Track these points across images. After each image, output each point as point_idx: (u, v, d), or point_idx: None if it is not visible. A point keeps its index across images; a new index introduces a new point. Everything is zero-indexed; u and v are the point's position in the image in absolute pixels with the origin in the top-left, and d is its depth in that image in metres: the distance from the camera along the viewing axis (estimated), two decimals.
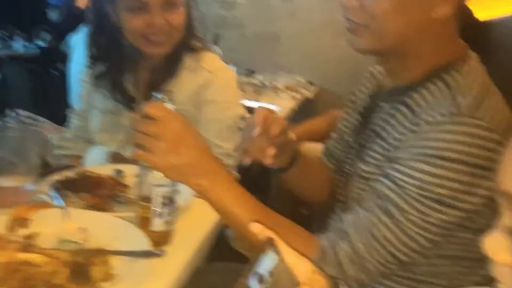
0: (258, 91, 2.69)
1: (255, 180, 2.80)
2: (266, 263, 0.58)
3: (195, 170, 0.82)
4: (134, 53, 1.37)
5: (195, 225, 1.02)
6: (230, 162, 1.41)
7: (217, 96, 1.39)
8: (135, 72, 1.41)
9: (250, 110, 2.38)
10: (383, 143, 0.87)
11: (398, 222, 0.77)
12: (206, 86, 1.38)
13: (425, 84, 0.84)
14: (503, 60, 1.87)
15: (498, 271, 0.45)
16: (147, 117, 0.82)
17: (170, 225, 0.93)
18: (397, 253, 0.79)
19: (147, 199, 0.91)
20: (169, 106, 0.88)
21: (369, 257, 0.79)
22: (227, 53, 3.95)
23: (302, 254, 0.81)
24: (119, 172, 1.21)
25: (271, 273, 0.58)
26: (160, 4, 1.27)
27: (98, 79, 1.43)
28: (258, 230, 0.66)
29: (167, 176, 0.84)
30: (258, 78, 2.98)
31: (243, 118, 1.47)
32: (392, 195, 0.78)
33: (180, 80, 1.38)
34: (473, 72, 0.85)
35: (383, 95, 0.94)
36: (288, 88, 3.07)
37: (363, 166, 0.90)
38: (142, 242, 0.88)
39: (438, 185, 0.75)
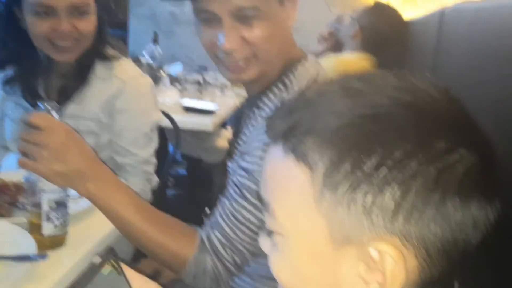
0: (202, 89, 2.71)
1: (198, 177, 2.84)
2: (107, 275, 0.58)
3: (81, 176, 0.86)
4: (45, 59, 1.36)
5: (91, 230, 1.05)
6: (149, 168, 1.44)
7: (130, 104, 1.39)
8: (46, 78, 1.40)
9: (189, 109, 2.43)
10: (241, 142, 0.96)
11: (252, 203, 0.86)
12: (118, 95, 1.38)
13: (272, 88, 0.94)
14: (422, 55, 1.95)
15: (268, 262, 0.50)
16: (32, 126, 0.85)
17: (61, 229, 0.95)
18: (258, 230, 0.86)
19: (37, 204, 0.93)
20: (54, 115, 0.91)
21: (237, 238, 0.88)
22: (179, 49, 3.97)
23: (185, 249, 0.89)
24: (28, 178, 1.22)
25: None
26: (67, 10, 1.25)
27: (8, 84, 1.40)
28: None
29: (53, 183, 0.87)
30: (208, 75, 3.00)
31: (159, 123, 1.50)
32: (245, 181, 0.87)
33: (92, 89, 1.38)
34: (306, 70, 0.94)
35: (246, 103, 1.06)
36: (235, 85, 3.10)
37: (229, 164, 0.98)
38: (29, 247, 0.90)
39: None
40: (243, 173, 0.88)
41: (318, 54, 2.31)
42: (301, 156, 0.44)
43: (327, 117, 0.44)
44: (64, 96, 1.37)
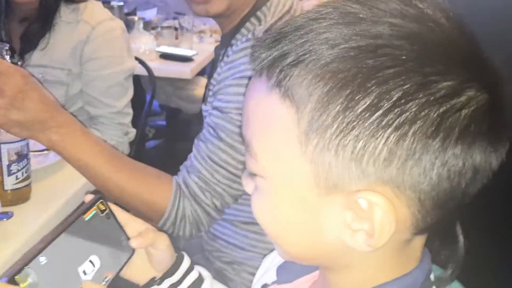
0: (178, 35, 2.58)
1: (178, 128, 2.77)
2: (88, 219, 0.56)
3: (42, 125, 0.79)
4: (6, 1, 1.25)
5: (61, 185, 0.97)
6: (125, 120, 1.36)
7: (100, 51, 1.29)
8: (7, 23, 1.29)
9: (166, 56, 2.31)
10: (213, 82, 0.90)
11: (228, 143, 0.83)
12: (87, 41, 1.27)
13: (244, 23, 0.89)
14: None
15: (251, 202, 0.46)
16: None
17: (24, 183, 0.87)
18: (238, 172, 0.83)
19: None
20: (7, 58, 0.81)
21: (215, 180, 0.84)
22: None
23: (161, 195, 0.85)
24: None
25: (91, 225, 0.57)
26: None
27: None
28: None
29: (12, 133, 0.80)
30: (185, 21, 2.85)
31: (133, 71, 1.40)
32: (219, 120, 0.84)
33: (58, 34, 1.27)
34: (281, 2, 0.90)
35: (220, 43, 1.01)
36: (213, 31, 2.97)
37: (203, 107, 0.94)
38: None
39: None
40: (216, 112, 0.84)
41: None
42: (286, 92, 0.38)
43: (318, 47, 0.37)
44: (28, 43, 1.28)
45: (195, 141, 0.88)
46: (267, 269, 0.59)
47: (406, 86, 0.35)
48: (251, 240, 0.95)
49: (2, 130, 0.82)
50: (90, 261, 0.55)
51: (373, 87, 0.35)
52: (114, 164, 0.83)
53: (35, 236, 0.83)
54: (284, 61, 0.38)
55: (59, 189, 0.96)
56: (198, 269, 0.67)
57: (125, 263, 0.59)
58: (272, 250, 0.61)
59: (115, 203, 0.62)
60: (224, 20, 0.93)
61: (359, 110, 0.36)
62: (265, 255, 0.94)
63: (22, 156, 0.86)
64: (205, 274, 0.67)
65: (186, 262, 0.65)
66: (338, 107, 0.36)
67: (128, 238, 0.60)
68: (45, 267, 0.50)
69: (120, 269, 0.59)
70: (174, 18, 3.07)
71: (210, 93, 0.91)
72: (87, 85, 1.30)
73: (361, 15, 0.38)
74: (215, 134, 0.84)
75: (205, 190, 0.84)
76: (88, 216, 0.56)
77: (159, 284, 0.63)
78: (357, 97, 0.36)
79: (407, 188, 0.37)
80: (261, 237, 0.95)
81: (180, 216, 0.85)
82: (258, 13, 0.89)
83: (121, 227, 0.60)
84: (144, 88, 2.08)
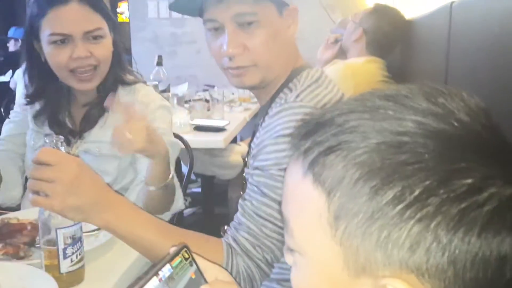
0: (209, 107, 2.69)
1: (213, 194, 2.81)
2: (174, 265, 0.61)
3: (96, 207, 0.85)
4: (67, 90, 1.38)
5: (113, 263, 1.01)
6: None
7: (153, 123, 1.35)
8: (70, 109, 1.41)
9: (199, 128, 2.41)
10: (253, 146, 0.98)
11: (272, 198, 0.87)
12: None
13: (279, 95, 0.99)
14: (424, 52, 1.91)
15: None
16: (41, 163, 0.83)
17: (78, 264, 0.92)
18: (282, 225, 0.83)
19: (52, 242, 0.90)
20: (62, 149, 0.89)
21: (264, 235, 0.88)
22: (182, 69, 3.98)
23: (213, 258, 0.87)
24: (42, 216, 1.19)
25: (179, 274, 0.61)
26: (82, 36, 1.28)
27: (37, 118, 1.41)
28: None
29: (68, 218, 0.86)
30: (215, 93, 2.99)
31: (177, 145, 1.48)
32: (260, 179, 0.89)
33: (115, 115, 1.34)
34: (309, 74, 0.98)
35: (258, 115, 1.09)
36: (242, 99, 3.08)
37: (245, 170, 1.01)
38: (50, 287, 0.87)
39: (287, 157, 0.87)
40: (258, 172, 0.90)
41: (325, 62, 2.28)
42: (318, 179, 0.42)
43: (350, 139, 0.41)
44: (88, 124, 1.39)
45: (240, 201, 0.92)
46: None
47: (427, 182, 0.38)
48: None
49: (57, 215, 0.88)
50: None
51: (396, 181, 0.38)
52: (165, 233, 0.88)
53: None
54: (318, 149, 0.42)
55: (111, 267, 1.00)
56: None
57: None
58: None
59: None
60: (261, 93, 1.03)
61: (384, 201, 0.38)
62: None
63: (76, 239, 0.91)
64: None
65: None
66: (365, 197, 0.39)
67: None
68: None
69: None
70: (204, 90, 3.21)
71: (251, 157, 0.97)
72: (141, 160, 1.35)
73: (388, 111, 0.41)
74: (258, 191, 0.88)
75: (255, 245, 0.88)
76: (174, 262, 0.61)
77: None
78: (382, 189, 0.38)
79: (431, 276, 0.39)
80: None
81: (235, 274, 0.87)
82: (290, 84, 0.98)
83: (201, 273, 0.64)
84: (180, 159, 2.15)
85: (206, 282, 0.64)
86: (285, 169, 0.88)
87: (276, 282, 0.99)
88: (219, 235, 1.03)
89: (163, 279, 0.59)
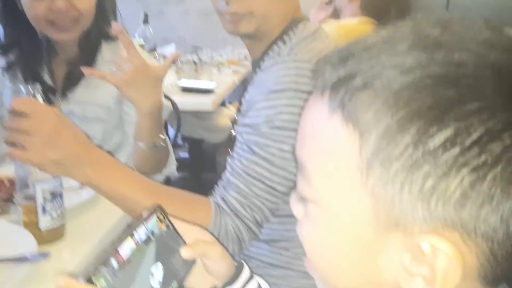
0: (198, 69, 2.61)
1: (201, 159, 2.77)
2: (149, 226, 0.57)
3: (77, 161, 0.80)
4: (46, 42, 1.29)
5: (96, 222, 0.97)
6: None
7: None
8: (51, 64, 1.32)
9: (188, 89, 2.34)
10: (243, 102, 0.93)
11: (262, 157, 0.84)
12: None
13: (273, 47, 0.92)
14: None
15: (297, 227, 0.44)
16: (17, 113, 0.77)
17: (59, 221, 0.87)
18: (274, 185, 0.84)
19: (30, 197, 0.85)
20: (39, 98, 0.83)
21: (253, 194, 0.84)
22: (169, 30, 3.87)
23: (201, 217, 0.84)
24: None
25: (154, 234, 0.57)
26: None
27: (9, 70, 1.32)
28: None
29: (47, 172, 0.81)
30: (203, 54, 2.91)
31: (166, 107, 1.42)
32: (250, 137, 0.86)
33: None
34: (306, 27, 0.93)
35: (251, 69, 1.03)
36: (231, 62, 3.01)
37: (235, 128, 0.95)
38: (29, 245, 0.83)
39: (278, 113, 0.83)
40: (248, 129, 0.86)
41: (318, 23, 2.22)
42: (350, 115, 0.35)
43: (391, 72, 0.34)
44: (71, 82, 1.30)
45: (228, 159, 0.89)
46: None
47: (489, 124, 0.32)
48: (286, 257, 0.95)
49: (36, 170, 0.83)
50: (158, 267, 0.56)
51: (451, 122, 0.32)
52: (151, 192, 0.83)
53: (73, 274, 0.82)
54: (351, 82, 0.35)
55: (93, 226, 0.95)
56: (257, 279, 0.66)
57: (188, 271, 0.59)
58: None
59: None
60: (254, 44, 0.96)
61: (432, 145, 0.32)
62: (301, 273, 0.93)
63: (56, 195, 0.86)
64: (264, 284, 0.66)
65: (246, 271, 0.64)
66: (409, 139, 0.33)
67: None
68: (118, 270, 0.52)
69: (184, 277, 0.59)
70: (192, 52, 3.12)
71: (240, 113, 0.93)
72: (128, 125, 1.30)
73: (441, 40, 0.35)
74: (248, 149, 0.85)
75: (245, 204, 0.85)
76: (149, 224, 0.57)
77: None
78: (431, 130, 0.32)
79: (478, 236, 0.33)
80: (294, 254, 0.94)
81: (223, 234, 0.84)
82: (285, 37, 0.92)
83: (180, 236, 0.60)
84: (166, 121, 2.10)
85: (184, 243, 0.60)
86: (276, 127, 0.85)
87: (265, 243, 0.97)
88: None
89: (139, 242, 0.55)
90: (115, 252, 0.52)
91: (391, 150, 0.33)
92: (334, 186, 0.37)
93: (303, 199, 0.41)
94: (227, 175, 0.88)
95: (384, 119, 0.34)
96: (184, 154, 3.06)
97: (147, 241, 0.56)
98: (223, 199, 0.85)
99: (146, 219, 0.57)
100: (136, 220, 0.57)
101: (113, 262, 0.52)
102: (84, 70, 1.07)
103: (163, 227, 0.59)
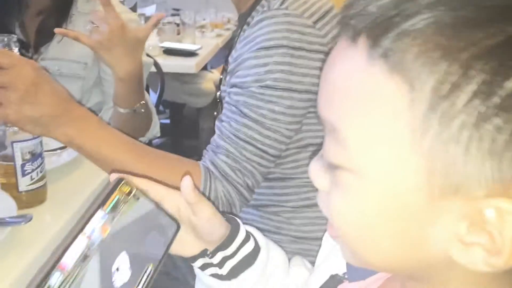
0: (180, 31, 2.53)
1: (183, 124, 2.72)
2: (109, 209, 0.47)
3: (57, 119, 0.75)
4: None
5: (78, 185, 0.92)
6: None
7: None
8: (22, 17, 1.23)
9: (170, 51, 2.26)
10: (230, 60, 0.87)
11: (253, 118, 0.80)
12: None
13: (261, 1, 0.86)
14: None
15: (319, 198, 0.38)
16: None
17: (39, 183, 0.82)
18: (265, 148, 0.81)
19: (8, 157, 0.80)
20: (16, 50, 0.76)
21: (244, 158, 0.81)
22: None
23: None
24: None
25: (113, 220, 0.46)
26: None
27: None
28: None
29: (26, 131, 0.75)
30: (184, 17, 2.81)
31: (150, 65, 1.35)
32: (240, 97, 0.81)
33: (76, 27, 1.21)
34: None
35: (237, 26, 0.96)
36: (214, 25, 2.92)
37: (221, 88, 0.90)
38: (8, 207, 0.78)
39: (269, 72, 0.79)
40: (236, 89, 0.81)
41: None
42: (396, 66, 0.30)
43: (447, 6, 0.29)
44: (44, 36, 1.22)
45: (217, 122, 0.84)
46: (331, 251, 0.53)
47: None
48: (276, 222, 0.93)
49: (14, 128, 0.77)
50: (125, 255, 0.46)
51: None
52: (135, 153, 0.78)
53: (56, 239, 0.78)
54: (394, 23, 0.29)
55: (76, 188, 0.91)
56: (254, 237, 0.60)
57: (171, 241, 0.51)
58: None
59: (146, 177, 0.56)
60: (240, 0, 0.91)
61: (504, 93, 0.27)
62: (291, 237, 0.90)
63: (36, 155, 0.80)
64: (262, 242, 0.60)
65: (242, 232, 0.58)
66: (474, 87, 0.28)
67: (168, 214, 0.51)
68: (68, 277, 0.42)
69: (166, 250, 0.50)
70: (173, 15, 3.02)
71: (227, 72, 0.87)
72: (106, 82, 1.24)
73: None
74: (237, 111, 0.80)
75: (235, 168, 0.81)
76: (108, 207, 0.46)
77: (211, 257, 0.57)
78: (502, 76, 0.27)
79: None
80: (284, 219, 0.92)
81: (213, 199, 0.80)
82: None
83: (157, 204, 0.51)
84: (148, 84, 2.03)
85: (166, 213, 0.51)
86: (267, 87, 0.79)
87: (254, 208, 0.94)
88: None
89: (91, 237, 0.44)
90: (58, 262, 0.41)
91: (452, 102, 0.28)
92: (377, 147, 0.32)
93: (332, 167, 0.35)
94: (216, 138, 0.83)
95: (440, 66, 0.28)
96: (165, 121, 3.00)
97: (100, 238, 0.45)
98: (213, 164, 0.81)
99: (104, 201, 0.47)
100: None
101: (57, 275, 0.41)
102: (57, 30, 1.00)
103: (131, 200, 0.48)
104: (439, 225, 0.31)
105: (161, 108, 2.86)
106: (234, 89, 0.82)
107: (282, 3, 0.81)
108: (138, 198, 0.49)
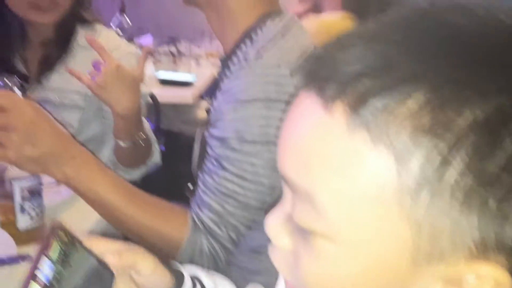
0: (176, 60, 2.56)
1: (178, 151, 2.73)
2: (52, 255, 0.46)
3: (56, 159, 0.76)
4: (19, 26, 1.23)
5: (75, 221, 0.93)
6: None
7: None
8: (24, 49, 1.27)
9: (166, 82, 2.29)
10: (212, 109, 0.87)
11: (233, 173, 0.79)
12: None
13: (240, 46, 0.84)
14: None
15: (275, 255, 0.37)
16: None
17: (38, 221, 0.84)
18: (247, 200, 0.80)
19: (8, 196, 0.82)
20: (17, 92, 0.79)
21: (227, 212, 0.80)
22: (145, 19, 3.78)
23: (174, 227, 0.81)
24: None
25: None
26: None
27: None
28: None
29: (25, 170, 0.77)
30: (180, 46, 2.85)
31: (147, 96, 1.38)
32: (219, 151, 0.80)
33: (76, 59, 1.25)
34: (275, 25, 0.83)
35: (221, 67, 0.91)
36: (210, 54, 2.96)
37: (205, 133, 0.89)
38: (6, 246, 0.79)
39: (247, 126, 0.78)
40: (217, 143, 0.81)
41: (298, 16, 2.20)
42: (379, 137, 0.29)
43: (426, 80, 0.28)
44: (46, 68, 1.25)
45: (199, 174, 0.85)
46: None
47: None
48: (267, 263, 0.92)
49: (13, 167, 0.79)
50: None
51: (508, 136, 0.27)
52: (129, 198, 0.80)
53: None
54: (377, 93, 0.28)
55: (74, 226, 0.91)
56: (201, 282, 0.59)
57: None
58: None
59: (128, 239, 0.56)
60: (220, 34, 0.89)
61: (497, 164, 0.27)
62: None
63: (35, 194, 0.82)
64: (210, 286, 0.60)
65: (188, 282, 0.57)
66: (465, 160, 0.27)
67: (103, 264, 0.50)
68: None
69: None
70: (169, 43, 3.06)
71: (210, 122, 0.87)
72: (106, 113, 1.25)
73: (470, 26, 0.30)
74: (217, 164, 0.81)
75: (219, 223, 0.81)
76: (51, 251, 0.46)
77: None
78: (492, 145, 0.27)
79: None
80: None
81: (198, 251, 0.82)
82: (253, 34, 0.83)
83: (92, 254, 0.50)
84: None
85: (101, 263, 0.49)
86: (246, 142, 0.78)
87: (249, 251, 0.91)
88: (183, 193, 0.97)
89: (46, 283, 0.44)
90: None
91: (441, 176, 0.28)
92: (362, 218, 0.30)
93: (302, 230, 0.33)
94: (199, 192, 0.83)
95: (427, 141, 0.28)
96: (160, 147, 3.01)
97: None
98: (199, 218, 0.82)
99: (45, 247, 0.46)
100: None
101: None
102: (64, 67, 1.03)
103: (67, 247, 0.47)
104: (419, 286, 0.32)
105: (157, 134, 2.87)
106: (214, 142, 0.82)
107: (257, 53, 0.80)
108: (74, 245, 0.49)
